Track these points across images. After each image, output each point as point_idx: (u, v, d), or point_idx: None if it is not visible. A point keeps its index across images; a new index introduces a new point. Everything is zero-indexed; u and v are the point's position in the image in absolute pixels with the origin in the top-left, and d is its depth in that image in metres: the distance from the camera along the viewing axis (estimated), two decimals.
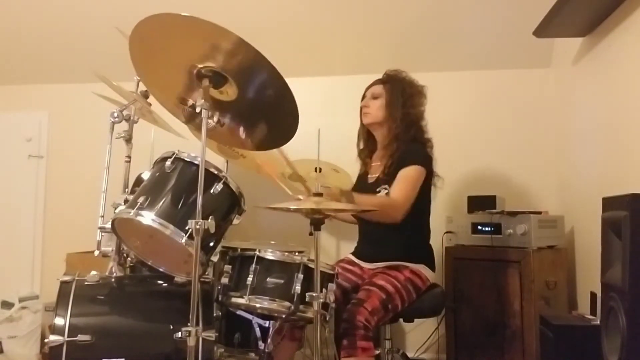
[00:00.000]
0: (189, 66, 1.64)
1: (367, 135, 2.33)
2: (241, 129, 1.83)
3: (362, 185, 2.28)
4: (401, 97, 2.18)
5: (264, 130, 1.85)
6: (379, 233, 2.15)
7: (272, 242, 2.59)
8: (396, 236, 2.04)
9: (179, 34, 1.56)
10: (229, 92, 1.71)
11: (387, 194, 2.11)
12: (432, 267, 2.17)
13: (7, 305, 2.99)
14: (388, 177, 2.12)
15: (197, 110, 1.62)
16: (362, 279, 2.13)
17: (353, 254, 2.30)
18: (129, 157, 2.06)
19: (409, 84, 2.22)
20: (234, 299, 1.80)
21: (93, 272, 1.81)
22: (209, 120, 1.64)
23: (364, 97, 2.30)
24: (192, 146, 1.95)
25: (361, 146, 2.36)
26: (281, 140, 1.83)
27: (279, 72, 1.57)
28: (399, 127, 2.16)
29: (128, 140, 2.05)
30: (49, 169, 3.48)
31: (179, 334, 1.53)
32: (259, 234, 3.04)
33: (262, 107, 1.76)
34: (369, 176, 2.27)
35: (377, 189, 2.15)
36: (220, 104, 1.75)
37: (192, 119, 1.76)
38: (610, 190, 1.78)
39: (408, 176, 2.07)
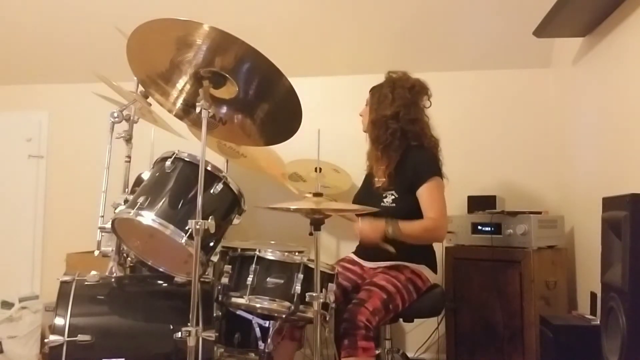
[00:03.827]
0: (188, 68, 1.65)
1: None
2: (239, 116, 1.84)
3: (369, 188, 2.28)
4: (377, 100, 2.19)
5: (266, 124, 1.85)
6: None
7: (272, 242, 2.59)
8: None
9: (176, 37, 1.56)
10: (230, 90, 1.72)
11: (394, 199, 2.11)
12: (433, 268, 2.17)
13: (7, 305, 3.00)
14: (394, 186, 2.13)
15: (198, 110, 1.63)
16: (362, 279, 2.13)
17: (354, 253, 2.29)
18: (129, 157, 2.06)
19: (388, 85, 2.19)
20: (234, 299, 1.80)
21: (93, 272, 1.81)
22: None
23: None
24: (192, 146, 1.95)
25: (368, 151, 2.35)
26: (285, 132, 1.83)
27: (278, 68, 1.57)
28: (376, 130, 2.17)
29: (128, 140, 2.05)
30: (49, 169, 3.48)
31: (179, 334, 1.54)
32: (259, 234, 3.04)
33: (263, 102, 1.77)
34: (375, 179, 2.27)
35: (384, 194, 2.15)
36: (221, 101, 1.76)
37: (197, 122, 1.77)
38: (610, 190, 1.78)
39: (432, 192, 2.07)
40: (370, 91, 2.27)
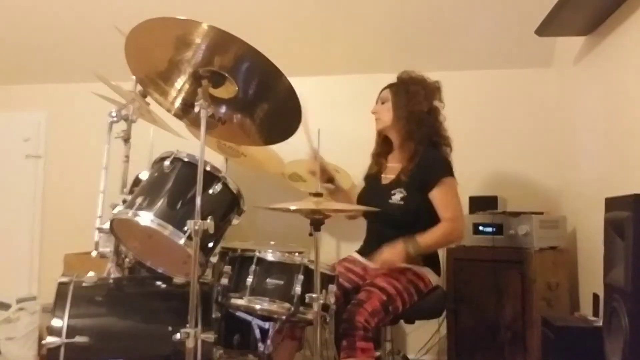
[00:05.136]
0: (187, 68, 1.64)
1: (381, 138, 2.33)
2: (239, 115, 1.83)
3: (375, 186, 2.26)
4: (405, 96, 2.17)
5: (266, 124, 1.85)
6: (386, 233, 2.13)
7: (272, 242, 2.58)
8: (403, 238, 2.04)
9: (175, 36, 1.55)
10: (229, 90, 1.70)
11: (402, 197, 2.10)
12: (437, 270, 2.16)
13: (5, 306, 2.98)
14: (408, 182, 2.11)
15: (196, 109, 1.62)
16: (363, 280, 2.12)
17: (359, 252, 2.28)
18: (128, 157, 2.05)
19: (414, 82, 2.20)
20: (233, 300, 1.79)
21: (91, 273, 1.80)
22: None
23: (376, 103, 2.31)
24: (191, 146, 1.94)
25: (376, 150, 2.35)
26: (285, 131, 1.82)
27: (278, 67, 1.56)
28: (409, 125, 2.15)
29: (126, 140, 2.04)
30: (47, 169, 3.46)
31: (178, 336, 1.52)
32: (258, 234, 3.02)
33: (263, 101, 1.76)
34: (382, 176, 2.25)
35: (392, 192, 2.13)
36: (220, 101, 1.75)
37: (195, 121, 1.76)
38: (613, 190, 1.77)
39: (446, 193, 2.07)
40: (388, 88, 2.25)
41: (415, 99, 2.15)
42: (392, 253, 1.96)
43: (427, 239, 1.99)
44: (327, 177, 2.34)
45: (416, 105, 2.14)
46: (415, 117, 2.14)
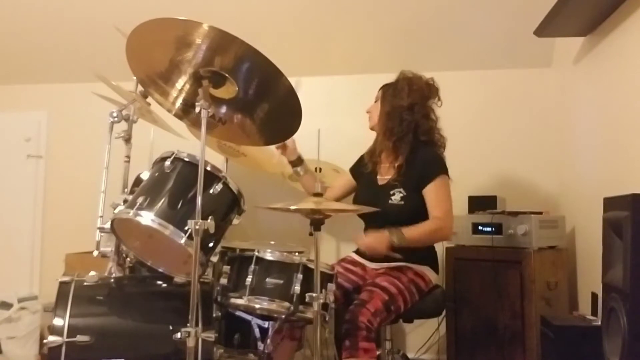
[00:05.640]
0: (187, 68, 1.64)
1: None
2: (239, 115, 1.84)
3: (372, 187, 2.25)
4: (392, 93, 2.17)
5: (266, 124, 1.85)
6: None
7: (272, 242, 2.58)
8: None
9: (176, 36, 1.56)
10: (229, 90, 1.71)
11: (402, 197, 2.09)
12: (435, 269, 2.17)
13: (6, 305, 2.98)
14: (402, 183, 2.11)
15: (197, 110, 1.62)
16: (363, 280, 2.12)
17: (357, 253, 2.27)
18: (128, 157, 2.05)
19: (404, 80, 2.19)
20: (233, 300, 1.79)
21: (92, 273, 1.80)
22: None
23: None
24: (191, 146, 1.95)
25: (371, 148, 2.33)
26: (285, 132, 1.84)
27: (278, 67, 1.57)
28: (390, 121, 2.15)
29: (127, 140, 2.05)
30: (47, 169, 3.47)
31: (179, 335, 1.53)
32: (258, 234, 3.03)
33: (263, 101, 1.76)
34: (378, 177, 2.24)
35: (391, 192, 2.12)
36: (221, 101, 1.76)
37: (196, 122, 1.76)
38: (612, 190, 1.77)
39: (439, 191, 2.07)
40: (381, 88, 2.26)
41: (399, 95, 2.15)
42: (377, 242, 1.96)
43: (413, 232, 1.98)
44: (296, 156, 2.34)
45: (397, 101, 2.14)
46: (396, 113, 2.14)
